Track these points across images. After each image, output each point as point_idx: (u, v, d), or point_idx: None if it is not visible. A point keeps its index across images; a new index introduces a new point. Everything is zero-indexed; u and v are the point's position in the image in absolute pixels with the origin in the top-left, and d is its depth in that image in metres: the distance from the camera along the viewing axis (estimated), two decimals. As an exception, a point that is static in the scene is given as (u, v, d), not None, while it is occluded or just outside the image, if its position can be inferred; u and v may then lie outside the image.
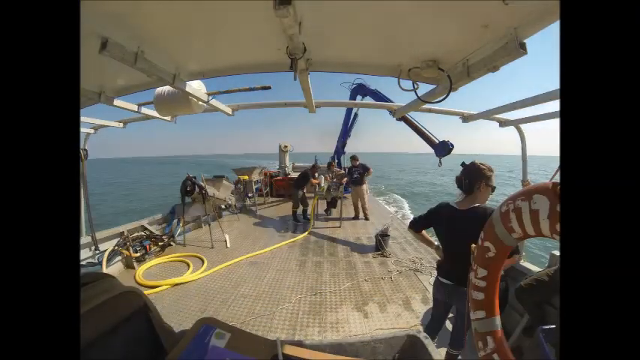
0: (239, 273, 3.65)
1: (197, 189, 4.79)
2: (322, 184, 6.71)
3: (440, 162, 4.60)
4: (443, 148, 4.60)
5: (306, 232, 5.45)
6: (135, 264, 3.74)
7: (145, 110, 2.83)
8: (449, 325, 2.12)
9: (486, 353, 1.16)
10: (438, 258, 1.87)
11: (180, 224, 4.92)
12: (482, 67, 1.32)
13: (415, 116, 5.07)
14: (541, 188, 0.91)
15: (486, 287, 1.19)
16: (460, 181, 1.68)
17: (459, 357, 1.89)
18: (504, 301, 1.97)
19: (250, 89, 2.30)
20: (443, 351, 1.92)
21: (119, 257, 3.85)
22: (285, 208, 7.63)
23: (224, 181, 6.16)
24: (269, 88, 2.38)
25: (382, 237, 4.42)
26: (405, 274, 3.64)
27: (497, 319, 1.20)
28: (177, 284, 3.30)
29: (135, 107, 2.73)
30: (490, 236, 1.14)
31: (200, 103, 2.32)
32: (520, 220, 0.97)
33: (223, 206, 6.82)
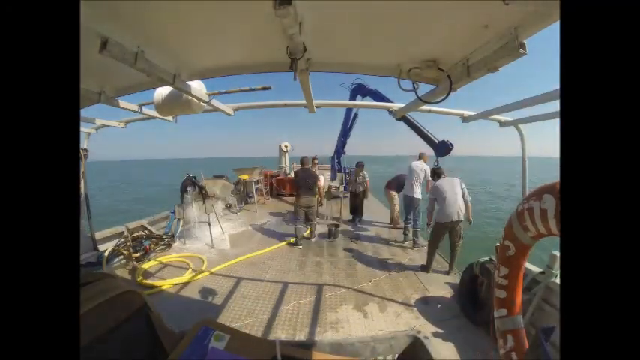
0: (239, 273, 3.64)
1: (197, 189, 4.79)
2: (322, 184, 6.70)
3: (437, 161, 4.61)
4: (443, 148, 4.60)
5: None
6: (135, 264, 3.74)
7: (146, 110, 2.84)
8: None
9: (505, 351, 1.18)
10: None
11: (181, 224, 4.92)
12: (483, 67, 1.32)
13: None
14: (549, 188, 0.93)
15: (508, 285, 1.22)
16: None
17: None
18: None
19: (251, 89, 2.30)
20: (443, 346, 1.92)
21: (119, 257, 3.85)
22: (285, 208, 7.63)
23: (224, 181, 6.17)
24: (269, 88, 2.38)
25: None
26: (405, 274, 3.64)
27: (519, 318, 1.22)
28: (177, 284, 3.30)
29: (136, 107, 2.74)
30: (509, 235, 1.19)
31: (200, 103, 2.32)
32: (532, 219, 1.01)
33: (224, 206, 6.82)
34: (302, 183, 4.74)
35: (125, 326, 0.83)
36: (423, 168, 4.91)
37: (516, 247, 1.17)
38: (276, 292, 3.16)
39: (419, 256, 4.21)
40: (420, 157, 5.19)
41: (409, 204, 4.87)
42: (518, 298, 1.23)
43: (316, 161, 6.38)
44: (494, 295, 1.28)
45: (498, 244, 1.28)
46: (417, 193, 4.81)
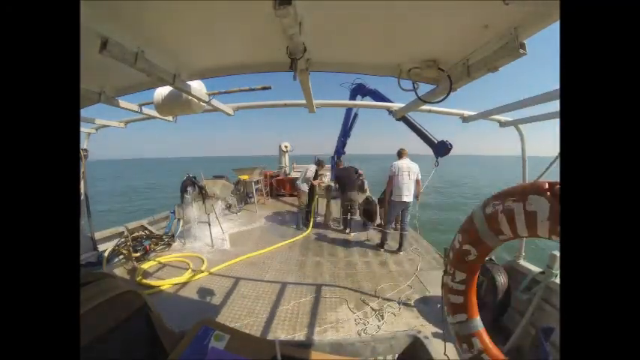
0: (239, 273, 3.64)
1: (197, 189, 4.79)
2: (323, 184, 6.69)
3: (437, 162, 4.62)
4: (442, 148, 4.60)
5: (307, 232, 5.45)
6: (135, 264, 3.74)
7: (146, 110, 2.84)
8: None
9: (474, 355, 1.13)
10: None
11: (180, 224, 4.92)
12: (483, 67, 1.31)
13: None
14: (537, 188, 0.85)
15: (465, 290, 1.15)
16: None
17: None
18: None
19: (251, 89, 2.30)
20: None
21: (119, 257, 3.86)
22: (285, 208, 7.63)
23: (224, 181, 6.17)
24: (269, 88, 2.38)
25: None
26: (405, 274, 3.64)
27: (479, 320, 1.17)
28: (177, 284, 3.30)
29: (136, 107, 2.74)
30: (472, 239, 1.08)
31: (200, 103, 2.32)
32: (512, 222, 0.91)
33: (224, 206, 6.82)
34: (346, 180, 5.40)
35: (125, 326, 0.83)
36: (408, 166, 4.33)
37: (479, 252, 1.08)
38: (276, 292, 3.16)
39: (416, 258, 4.21)
40: (400, 154, 4.50)
41: (393, 208, 4.43)
42: (475, 299, 1.18)
43: (325, 165, 6.42)
44: (449, 302, 1.20)
45: (448, 247, 1.20)
46: (405, 196, 4.28)
